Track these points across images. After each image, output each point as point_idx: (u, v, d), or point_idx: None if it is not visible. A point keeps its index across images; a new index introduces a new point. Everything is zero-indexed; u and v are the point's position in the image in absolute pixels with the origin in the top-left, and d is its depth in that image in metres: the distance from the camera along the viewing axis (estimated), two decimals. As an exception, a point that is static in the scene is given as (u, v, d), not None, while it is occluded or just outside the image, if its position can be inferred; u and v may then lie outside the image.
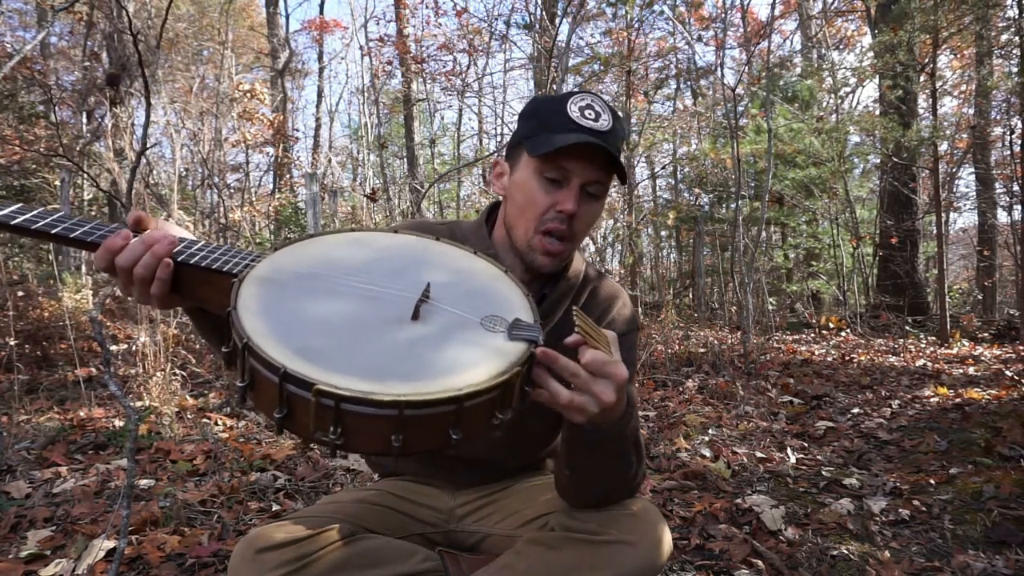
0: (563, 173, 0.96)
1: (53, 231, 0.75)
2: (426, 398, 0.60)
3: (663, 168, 12.34)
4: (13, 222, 0.75)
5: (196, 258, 0.77)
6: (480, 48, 10.69)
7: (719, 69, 8.37)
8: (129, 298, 0.80)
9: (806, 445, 2.86)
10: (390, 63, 11.67)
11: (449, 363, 0.66)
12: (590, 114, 0.96)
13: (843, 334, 6.95)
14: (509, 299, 0.79)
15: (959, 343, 6.24)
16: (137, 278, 0.74)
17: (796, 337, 6.93)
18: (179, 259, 0.76)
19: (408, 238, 0.91)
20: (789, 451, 2.71)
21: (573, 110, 0.96)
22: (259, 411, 0.67)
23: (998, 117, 9.92)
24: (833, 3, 11.40)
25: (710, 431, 3.02)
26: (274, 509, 1.99)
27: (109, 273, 0.76)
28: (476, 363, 0.66)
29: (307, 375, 0.61)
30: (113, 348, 4.16)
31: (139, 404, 2.94)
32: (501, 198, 1.09)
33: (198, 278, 0.77)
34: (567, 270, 1.08)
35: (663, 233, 12.07)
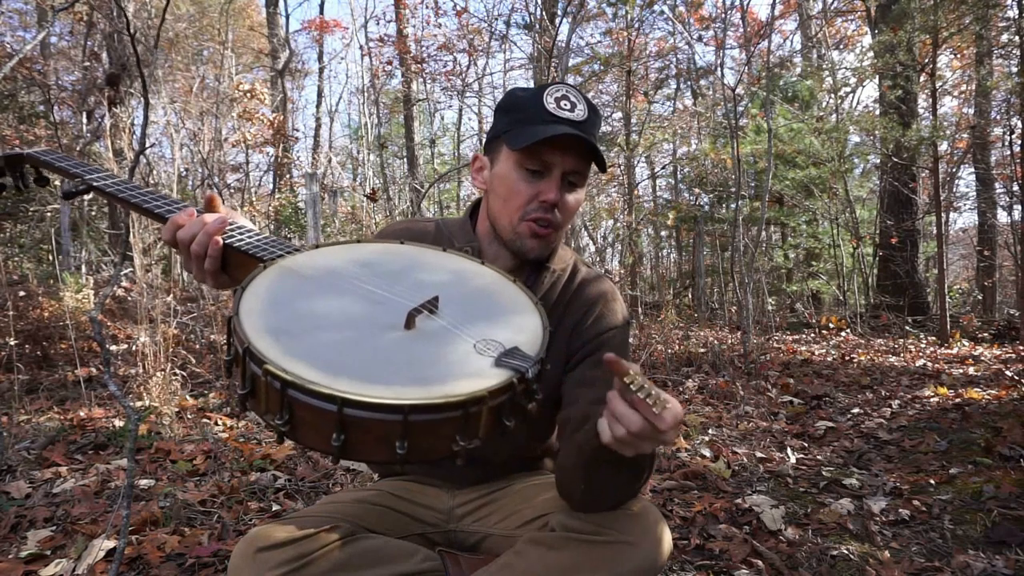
0: (544, 164, 0.98)
1: (145, 206, 0.87)
2: (368, 401, 0.58)
3: (663, 168, 12.35)
4: (108, 189, 0.89)
5: (240, 242, 0.83)
6: (480, 48, 10.69)
7: (719, 69, 8.38)
8: (189, 273, 0.88)
9: (806, 445, 2.86)
10: (390, 63, 11.67)
11: (418, 376, 0.64)
12: (566, 105, 0.97)
13: (843, 334, 6.95)
14: (520, 326, 0.76)
15: (959, 343, 6.24)
16: (193, 253, 0.82)
17: (796, 337, 6.93)
18: (226, 241, 0.82)
19: (457, 258, 0.91)
20: (789, 451, 2.71)
21: (549, 102, 0.97)
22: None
23: (998, 117, 9.92)
24: (833, 3, 11.40)
25: (710, 431, 3.02)
26: (274, 509, 1.99)
27: (172, 246, 0.84)
28: (444, 381, 0.63)
29: (263, 354, 0.60)
30: (113, 348, 4.16)
31: (139, 404, 2.93)
32: (480, 193, 1.10)
33: (239, 261, 0.83)
34: (550, 260, 1.08)
35: (663, 233, 12.08)
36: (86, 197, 8.68)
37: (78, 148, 7.09)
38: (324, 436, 0.60)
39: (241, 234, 0.85)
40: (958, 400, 3.54)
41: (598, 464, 0.84)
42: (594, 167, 1.01)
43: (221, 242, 0.82)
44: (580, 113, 0.97)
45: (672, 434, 0.68)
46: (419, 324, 0.71)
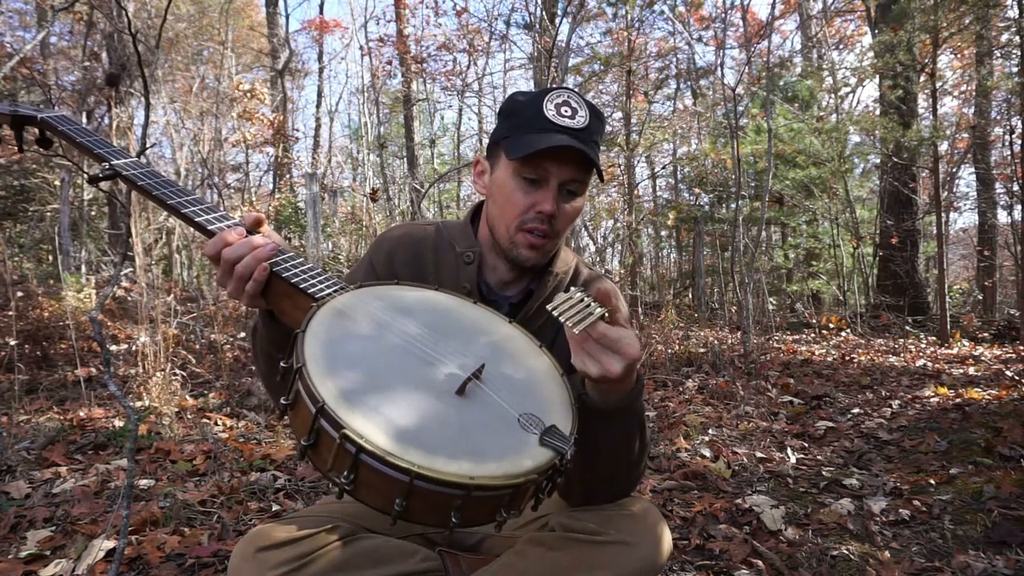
0: (541, 173, 0.96)
1: (183, 210, 0.84)
2: (438, 476, 0.61)
3: (663, 168, 12.34)
4: (139, 182, 0.85)
5: (288, 272, 0.82)
6: (480, 48, 10.69)
7: (719, 69, 8.38)
8: (222, 289, 0.85)
9: (806, 445, 2.86)
10: (390, 63, 11.67)
11: (473, 448, 0.67)
12: (566, 111, 0.96)
13: (843, 334, 6.95)
14: (554, 402, 0.78)
15: (959, 343, 6.24)
16: (236, 274, 0.79)
17: (796, 337, 6.93)
18: (274, 268, 0.81)
19: (488, 315, 0.91)
20: (789, 451, 2.71)
21: (549, 108, 0.95)
22: (292, 431, 0.70)
23: (998, 117, 9.92)
24: (833, 3, 11.40)
25: (710, 431, 3.02)
26: (274, 509, 1.99)
27: (214, 262, 0.81)
28: (498, 457, 0.66)
29: (341, 417, 0.63)
30: (113, 348, 4.16)
31: (139, 404, 2.93)
32: (482, 196, 1.09)
33: (284, 290, 0.82)
34: (553, 265, 1.07)
35: (663, 233, 12.08)
36: (85, 197, 8.67)
37: (78, 148, 7.09)
38: (387, 499, 0.63)
39: (287, 262, 0.83)
40: (958, 400, 3.54)
41: (587, 422, 0.83)
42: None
43: (269, 269, 0.81)
44: (581, 120, 0.96)
45: (611, 358, 0.74)
46: (467, 390, 0.74)
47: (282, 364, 0.71)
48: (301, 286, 0.80)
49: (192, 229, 1.00)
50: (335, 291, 0.82)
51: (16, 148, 0.97)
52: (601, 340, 0.74)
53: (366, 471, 0.62)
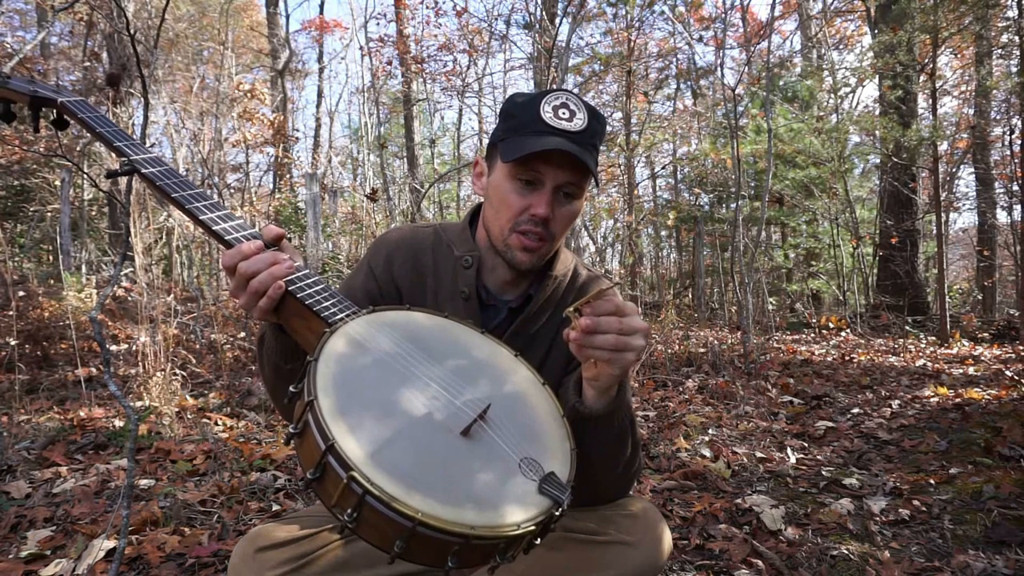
0: (536, 176, 0.95)
1: (201, 216, 0.83)
2: (441, 525, 0.62)
3: (663, 168, 12.35)
4: (157, 181, 0.84)
5: (303, 293, 0.81)
6: (480, 48, 10.69)
7: (719, 69, 8.37)
8: (235, 301, 0.83)
9: (806, 445, 2.86)
10: (390, 63, 11.67)
11: (474, 495, 0.68)
12: (564, 114, 0.95)
13: (843, 334, 6.96)
14: (554, 446, 0.79)
15: (959, 343, 6.24)
16: (251, 288, 0.79)
17: (796, 337, 6.93)
18: (289, 287, 0.80)
19: (496, 349, 0.90)
20: (789, 451, 2.71)
21: (546, 111, 0.95)
22: (298, 459, 0.70)
23: (998, 117, 9.92)
24: (833, 3, 11.40)
25: (710, 431, 3.02)
26: (274, 509, 1.99)
27: (230, 274, 0.80)
28: (498, 505, 0.67)
29: (350, 458, 0.63)
30: (113, 348, 4.16)
31: (139, 404, 2.93)
32: (481, 198, 1.08)
33: (297, 310, 0.81)
34: (552, 268, 1.07)
35: (663, 233, 12.09)
36: (85, 197, 8.67)
37: (78, 148, 7.09)
38: (388, 540, 0.64)
39: (303, 282, 0.83)
40: (958, 400, 3.54)
41: (581, 430, 0.84)
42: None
43: (284, 288, 0.80)
44: (579, 122, 0.94)
45: (638, 337, 0.78)
46: (472, 431, 0.74)
47: (292, 389, 0.70)
48: (315, 308, 0.80)
49: (199, 229, 0.97)
50: (348, 316, 0.81)
51: (17, 141, 0.95)
52: (624, 330, 0.76)
53: (370, 512, 0.63)
